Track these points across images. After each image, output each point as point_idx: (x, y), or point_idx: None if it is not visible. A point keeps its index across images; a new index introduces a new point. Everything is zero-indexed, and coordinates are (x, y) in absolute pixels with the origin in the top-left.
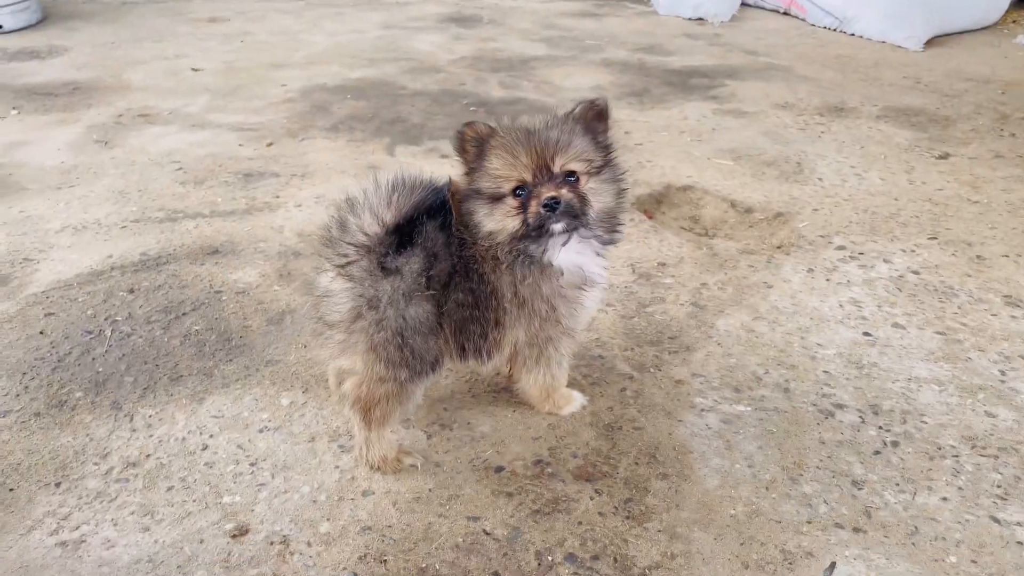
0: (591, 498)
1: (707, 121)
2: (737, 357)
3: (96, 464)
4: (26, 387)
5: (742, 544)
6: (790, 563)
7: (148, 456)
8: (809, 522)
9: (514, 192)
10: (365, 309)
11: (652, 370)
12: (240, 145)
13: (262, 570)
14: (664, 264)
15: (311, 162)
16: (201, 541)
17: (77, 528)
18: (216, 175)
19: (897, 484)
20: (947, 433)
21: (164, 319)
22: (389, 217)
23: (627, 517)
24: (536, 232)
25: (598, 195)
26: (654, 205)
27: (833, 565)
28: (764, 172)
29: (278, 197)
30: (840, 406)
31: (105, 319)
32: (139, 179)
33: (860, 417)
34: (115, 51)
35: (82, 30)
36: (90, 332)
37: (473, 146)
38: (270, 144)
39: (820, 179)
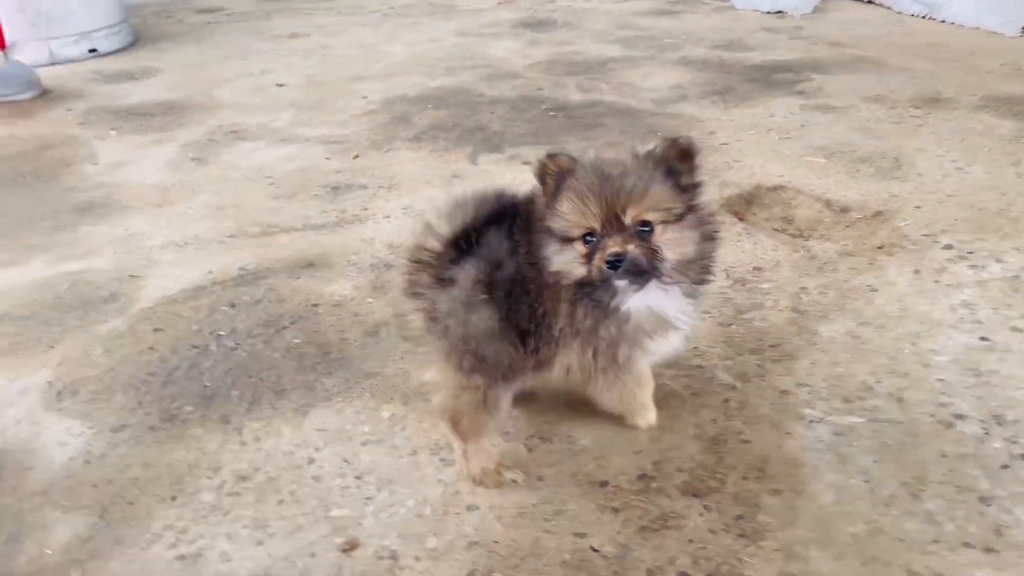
0: (700, 514)
1: (794, 118)
2: (844, 365)
3: (209, 478)
4: (140, 402)
5: (864, 564)
6: None
7: (258, 470)
8: (936, 541)
9: (583, 238)
10: (429, 321)
11: (755, 380)
12: (327, 158)
13: None
14: (760, 268)
15: (396, 173)
16: (313, 555)
17: (194, 542)
18: (306, 188)
19: None
20: None
21: (265, 333)
22: (446, 231)
23: (740, 535)
24: (602, 284)
25: (676, 245)
26: (744, 206)
27: None
28: (859, 169)
29: (366, 209)
30: (960, 416)
31: (210, 333)
32: (234, 195)
33: (983, 428)
34: (203, 70)
35: (171, 51)
36: (196, 347)
37: (553, 179)
38: (356, 156)
39: (920, 175)
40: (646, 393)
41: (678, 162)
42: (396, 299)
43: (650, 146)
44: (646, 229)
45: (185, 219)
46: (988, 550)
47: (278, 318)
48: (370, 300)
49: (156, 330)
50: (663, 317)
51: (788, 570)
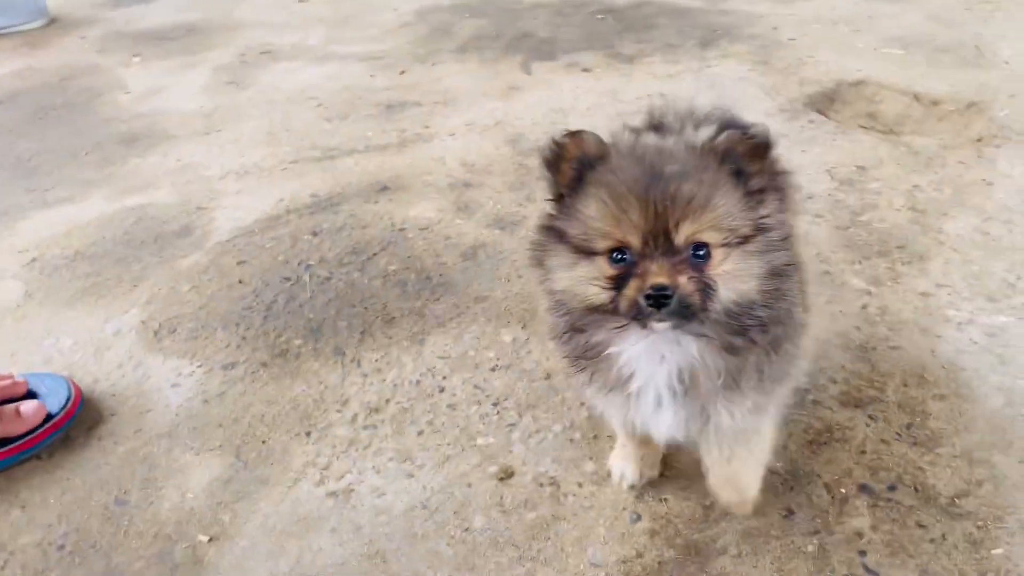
0: (867, 424)
1: (859, 8)
2: (979, 263)
3: (339, 412)
4: (244, 337)
5: None
6: None
7: (388, 401)
8: None
9: (610, 254)
10: None
11: (889, 283)
12: (372, 76)
13: (540, 513)
14: (863, 167)
15: (449, 87)
16: (469, 485)
17: (342, 477)
18: (357, 108)
19: None
20: None
21: (357, 260)
22: None
23: (913, 443)
24: (624, 319)
25: (734, 280)
26: (827, 103)
27: None
28: (940, 59)
29: (428, 127)
30: None
31: (299, 264)
32: (282, 118)
33: None
34: None
35: None
36: (288, 278)
37: (573, 168)
38: (403, 72)
39: (1006, 62)
40: (635, 444)
41: (747, 161)
42: (489, 216)
43: (710, 133)
44: (700, 254)
45: (238, 146)
46: None
47: (366, 244)
48: (458, 222)
49: (240, 263)
50: (654, 384)
51: (974, 476)
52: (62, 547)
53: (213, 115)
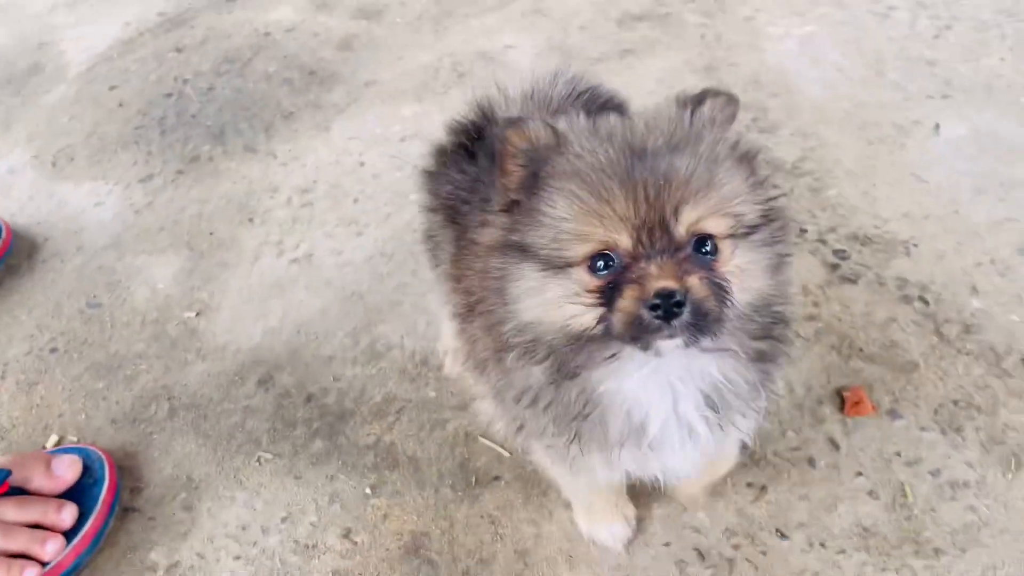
0: None
1: None
2: None
3: (272, 198)
4: (149, 152)
5: (861, 128)
6: (904, 132)
7: (315, 182)
8: (906, 100)
9: (591, 262)
10: None
11: (719, 14)
12: None
13: None
14: None
15: None
16: (415, 230)
17: (297, 247)
18: None
19: (962, 57)
20: (984, 10)
21: (234, 68)
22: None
23: (760, 131)
24: (621, 342)
25: (748, 278)
26: None
27: (937, 126)
28: None
29: None
30: (892, 8)
31: (175, 80)
32: None
33: (911, 13)
34: None
35: None
36: (170, 94)
37: (522, 164)
38: None
39: None
40: (605, 497)
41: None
42: (354, 7)
43: (693, 94)
44: (706, 249)
45: None
46: (945, 97)
47: (237, 52)
48: (322, 18)
49: (112, 88)
50: (673, 417)
51: (808, 145)
52: (54, 350)
53: None
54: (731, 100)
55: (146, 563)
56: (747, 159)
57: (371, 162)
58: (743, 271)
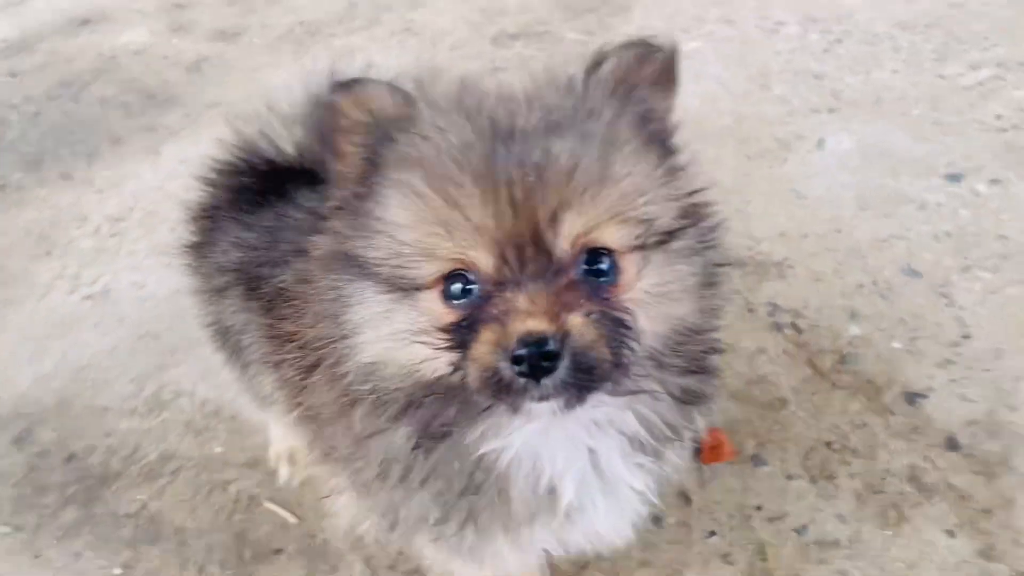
0: None
1: None
2: (672, 4)
3: (79, 228)
4: None
5: (741, 142)
6: (786, 147)
7: (131, 209)
8: (790, 114)
9: (443, 286)
10: None
11: (601, 32)
12: None
13: None
14: None
15: None
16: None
17: (95, 282)
18: None
19: (851, 69)
20: (878, 24)
21: (68, 92)
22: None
23: None
24: (483, 398)
25: (660, 303)
26: None
27: (822, 140)
28: None
29: None
30: (781, 23)
31: (1, 105)
32: None
33: (802, 28)
34: None
35: None
36: None
37: (358, 145)
38: None
39: None
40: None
41: (658, 96)
42: (210, 31)
43: (594, 58)
44: (601, 268)
45: None
46: (831, 110)
47: (75, 76)
48: (175, 40)
49: None
50: (593, 473)
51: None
52: None
53: None
54: (649, 52)
55: None
56: (658, 137)
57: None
58: (656, 295)
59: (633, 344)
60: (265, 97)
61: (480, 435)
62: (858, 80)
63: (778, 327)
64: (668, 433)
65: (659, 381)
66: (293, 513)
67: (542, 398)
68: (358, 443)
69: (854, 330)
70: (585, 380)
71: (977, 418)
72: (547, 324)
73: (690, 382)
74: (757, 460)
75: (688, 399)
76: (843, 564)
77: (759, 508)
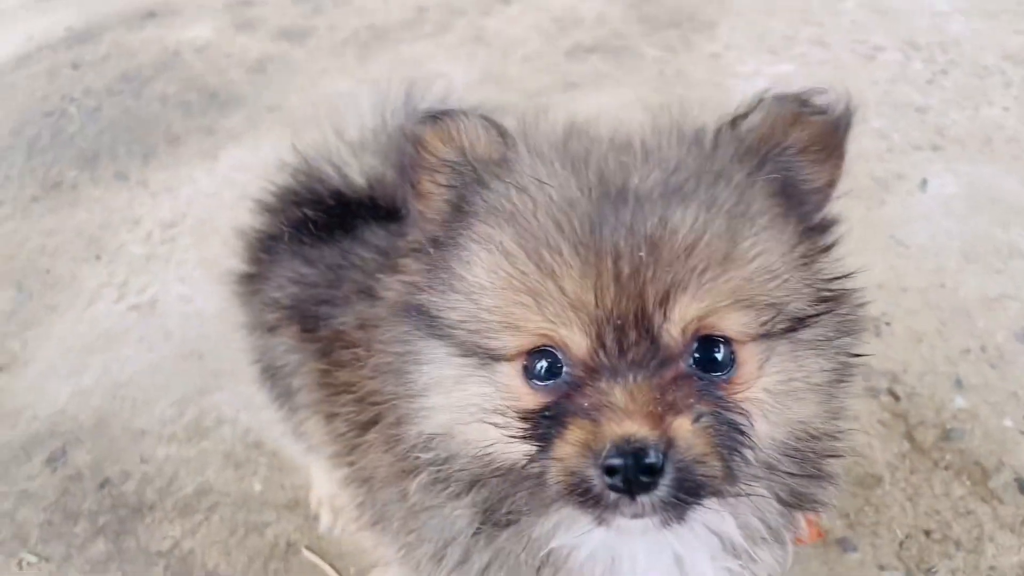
0: None
1: None
2: (762, 24)
3: (130, 232)
4: (7, 176)
5: None
6: (884, 186)
7: (184, 216)
8: (889, 150)
9: (527, 361)
10: None
11: (683, 50)
12: None
13: None
14: None
15: None
16: None
17: (143, 291)
18: None
19: (958, 104)
20: (986, 55)
21: (129, 88)
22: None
23: None
24: (570, 500)
25: (783, 405)
26: None
27: (925, 181)
28: None
29: None
30: (879, 48)
31: (61, 98)
32: None
33: (903, 55)
34: None
35: None
36: (50, 113)
37: (445, 186)
38: None
39: None
40: None
41: (809, 162)
42: (274, 30)
43: (736, 112)
44: (716, 359)
45: None
46: (936, 148)
47: (138, 71)
48: (241, 39)
49: None
50: None
51: None
52: None
53: None
54: (804, 112)
55: None
56: (802, 211)
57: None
58: (778, 394)
59: (748, 452)
60: (330, 111)
61: (552, 528)
62: (965, 116)
63: (874, 393)
64: (767, 536)
65: (767, 485)
66: (332, 566)
67: (635, 516)
68: (413, 516)
69: (960, 402)
70: (690, 499)
71: None
72: (648, 429)
73: (803, 485)
74: (846, 544)
75: (797, 504)
76: None
77: None
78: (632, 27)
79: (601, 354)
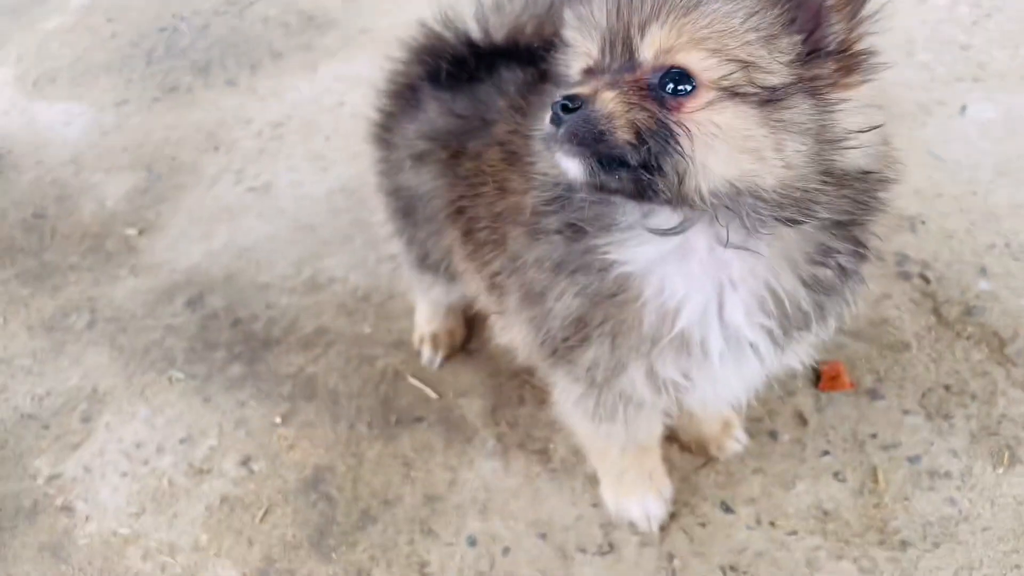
0: None
1: None
2: None
3: (243, 129)
4: (129, 79)
5: (881, 105)
6: (927, 111)
7: (290, 117)
8: (933, 80)
9: (581, 76)
10: None
11: None
12: None
13: None
14: None
15: None
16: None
17: (258, 176)
18: None
19: (1000, 43)
20: None
21: (233, 9)
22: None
23: None
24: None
25: (723, 142)
26: None
27: (964, 107)
28: None
29: None
30: None
31: (172, 16)
32: None
33: (950, 0)
34: None
35: None
36: (164, 28)
37: None
38: None
39: None
40: (640, 462)
41: None
42: None
43: None
44: (677, 88)
45: None
46: (976, 80)
47: None
48: None
49: (110, 20)
50: (716, 313)
51: None
52: None
53: None
54: None
55: (29, 470)
56: (791, 3)
57: (352, 102)
58: (721, 137)
59: (677, 158)
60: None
61: (611, 244)
62: (1006, 54)
63: (906, 276)
64: (800, 314)
65: (768, 245)
66: (434, 390)
67: (560, 145)
68: (528, 245)
69: (983, 285)
70: (594, 142)
71: None
72: (586, 92)
73: (808, 262)
74: (874, 394)
75: (814, 283)
76: (953, 494)
77: (874, 436)
78: None
79: (602, 60)
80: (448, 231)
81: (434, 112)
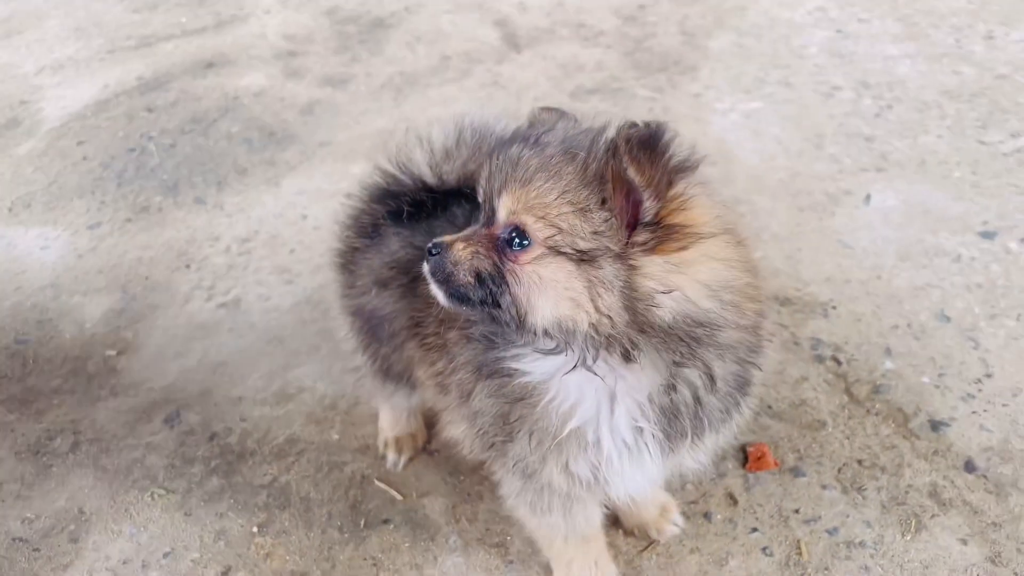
0: None
1: None
2: (737, 68)
3: (212, 246)
4: (102, 202)
5: (794, 196)
6: (835, 201)
7: (257, 232)
8: (840, 171)
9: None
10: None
11: (669, 90)
12: None
13: None
14: (643, 6)
15: None
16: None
17: (228, 292)
18: None
19: (900, 133)
20: (927, 92)
21: (198, 127)
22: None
23: None
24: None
25: (538, 288)
26: None
27: (868, 196)
28: None
29: (242, 8)
30: (837, 88)
31: (140, 136)
32: (86, 15)
33: (856, 93)
34: None
35: None
36: (133, 149)
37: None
38: None
39: None
40: (584, 551)
41: (631, 161)
42: (320, 77)
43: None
44: (518, 241)
45: (46, 44)
46: (879, 170)
47: (204, 113)
48: (290, 85)
49: (80, 143)
50: (608, 416)
51: (739, 211)
52: None
53: (10, 20)
54: (636, 135)
55: None
56: (602, 187)
57: (313, 215)
58: (540, 283)
59: (509, 298)
60: (413, 130)
61: (515, 356)
62: (905, 144)
63: (820, 359)
64: (681, 424)
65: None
66: (399, 491)
67: (429, 276)
68: (461, 348)
69: (888, 364)
70: (446, 280)
71: (993, 445)
72: (447, 241)
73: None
74: (796, 471)
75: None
76: (867, 561)
77: (796, 511)
78: (627, 72)
79: (479, 214)
80: (409, 344)
81: (396, 245)
